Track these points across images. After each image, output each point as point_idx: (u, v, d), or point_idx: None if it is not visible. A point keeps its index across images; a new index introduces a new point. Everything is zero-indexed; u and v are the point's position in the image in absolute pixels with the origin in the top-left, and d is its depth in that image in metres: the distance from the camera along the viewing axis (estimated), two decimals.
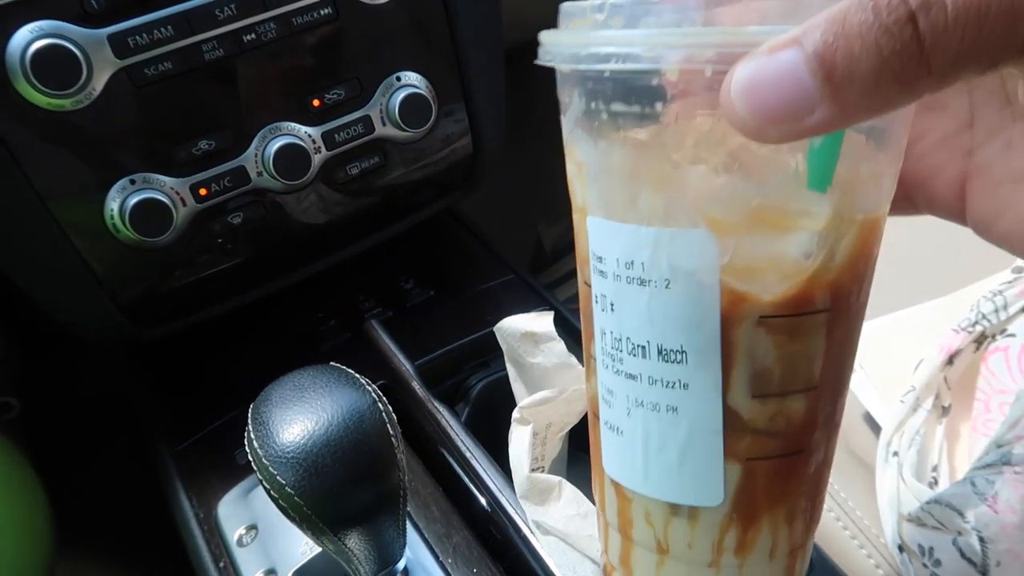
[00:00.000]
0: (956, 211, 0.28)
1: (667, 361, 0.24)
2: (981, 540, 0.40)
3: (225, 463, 0.51)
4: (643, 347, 0.25)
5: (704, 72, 0.21)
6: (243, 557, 0.45)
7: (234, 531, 0.47)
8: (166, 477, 0.53)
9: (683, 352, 0.24)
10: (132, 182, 0.46)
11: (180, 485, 0.51)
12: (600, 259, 0.25)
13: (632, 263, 0.24)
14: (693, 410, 0.25)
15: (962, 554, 0.40)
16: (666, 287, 0.23)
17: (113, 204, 0.46)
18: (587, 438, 0.48)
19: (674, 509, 0.26)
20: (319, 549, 0.43)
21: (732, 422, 0.25)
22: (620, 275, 0.24)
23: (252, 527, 0.47)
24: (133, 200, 0.46)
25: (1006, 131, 0.26)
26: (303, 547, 0.44)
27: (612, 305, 0.25)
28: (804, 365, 0.25)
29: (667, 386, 0.24)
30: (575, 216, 0.27)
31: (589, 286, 0.26)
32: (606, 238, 0.25)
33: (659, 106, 0.23)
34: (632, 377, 0.25)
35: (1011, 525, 0.40)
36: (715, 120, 0.22)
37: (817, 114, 0.18)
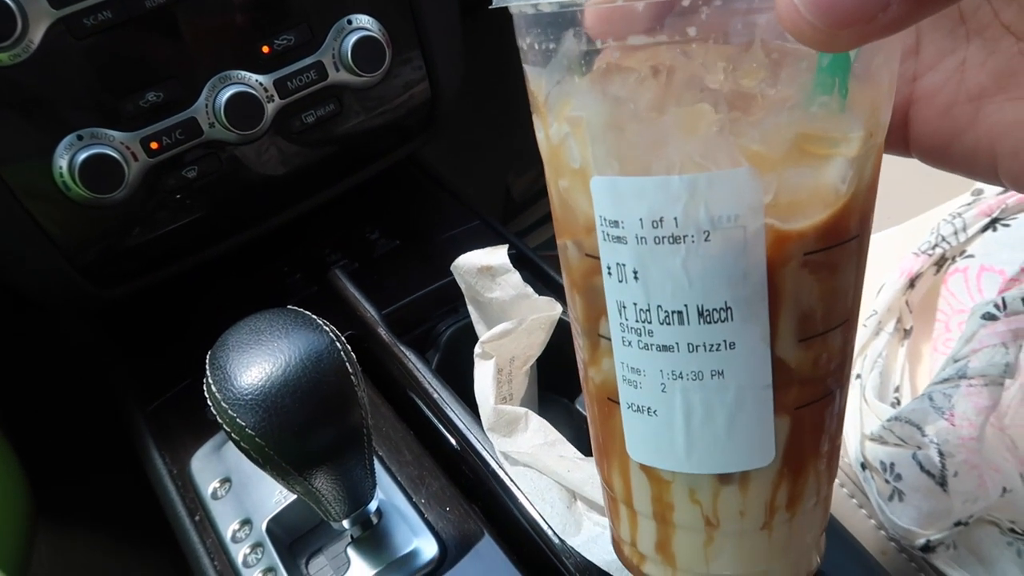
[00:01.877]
0: (898, 141, 0.28)
1: (709, 322, 0.22)
2: (940, 453, 0.41)
3: (197, 420, 0.51)
4: (679, 312, 0.22)
5: None
6: (218, 509, 0.46)
7: (208, 485, 0.47)
8: (138, 437, 0.53)
9: (727, 309, 0.22)
10: (79, 138, 0.45)
11: (152, 443, 0.51)
12: (615, 224, 0.22)
13: (661, 220, 0.21)
14: (741, 369, 0.23)
15: (921, 467, 0.42)
16: (705, 240, 0.21)
17: (62, 161, 0.45)
18: (557, 377, 0.49)
19: (723, 479, 0.25)
20: (293, 497, 0.44)
21: (780, 373, 0.23)
22: (645, 237, 0.22)
23: (226, 480, 0.47)
24: (82, 156, 0.45)
25: (958, 52, 0.26)
26: (277, 496, 0.44)
27: (635, 273, 0.23)
28: (842, 297, 0.24)
29: (711, 349, 0.23)
30: (564, 183, 0.24)
31: (594, 258, 0.24)
32: (623, 198, 0.22)
33: (692, 31, 0.20)
34: (666, 349, 0.23)
35: (968, 437, 0.41)
36: (755, 42, 0.20)
37: (892, 9, 0.17)
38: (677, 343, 0.23)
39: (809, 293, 0.23)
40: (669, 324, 0.23)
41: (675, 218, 0.21)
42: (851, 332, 0.25)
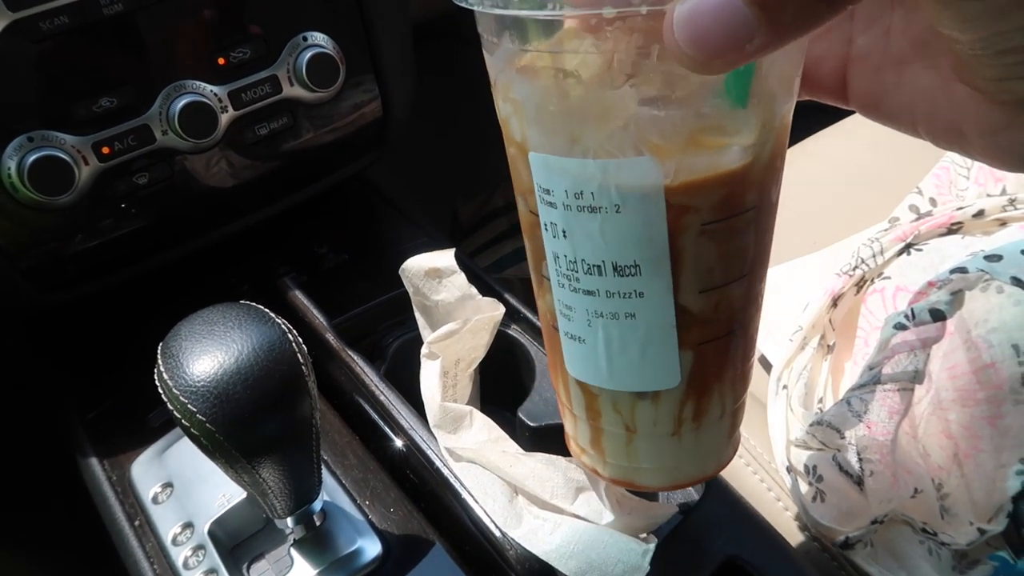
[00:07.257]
0: (839, 95, 0.31)
1: (622, 275, 0.26)
2: (858, 455, 0.44)
3: (137, 426, 0.51)
4: (598, 266, 0.27)
5: (640, 11, 0.22)
6: (159, 514, 0.45)
7: (149, 490, 0.47)
8: (77, 445, 0.52)
9: (636, 266, 0.26)
10: (30, 139, 0.45)
11: (91, 450, 0.51)
12: (547, 191, 0.26)
13: (581, 193, 0.25)
14: (649, 313, 0.27)
15: (841, 468, 0.44)
16: (616, 212, 0.25)
17: (10, 162, 0.45)
18: (500, 392, 0.51)
19: (639, 396, 0.30)
20: (236, 500, 0.44)
21: (683, 316, 0.27)
22: (570, 205, 0.26)
23: (168, 485, 0.47)
24: (32, 158, 0.45)
25: (884, 19, 0.29)
26: (220, 499, 0.44)
27: (564, 232, 0.27)
28: (739, 258, 0.28)
29: (624, 296, 0.27)
30: (511, 149, 0.28)
31: (536, 215, 0.28)
32: (551, 172, 0.26)
33: (598, 45, 0.24)
34: (590, 293, 0.27)
35: (883, 440, 0.44)
36: (652, 55, 0.24)
37: (756, 40, 0.20)
38: (598, 289, 0.27)
39: (708, 255, 0.27)
40: (591, 274, 0.27)
41: (592, 192, 0.25)
42: (752, 283, 0.29)
